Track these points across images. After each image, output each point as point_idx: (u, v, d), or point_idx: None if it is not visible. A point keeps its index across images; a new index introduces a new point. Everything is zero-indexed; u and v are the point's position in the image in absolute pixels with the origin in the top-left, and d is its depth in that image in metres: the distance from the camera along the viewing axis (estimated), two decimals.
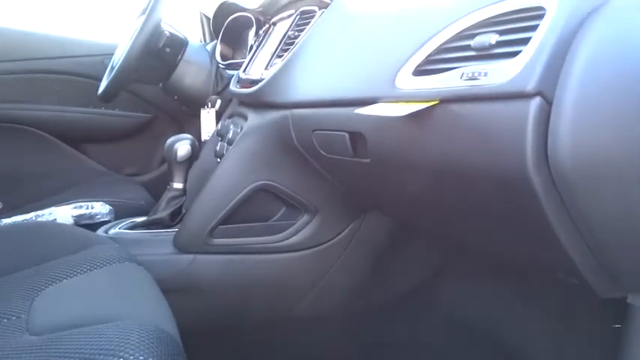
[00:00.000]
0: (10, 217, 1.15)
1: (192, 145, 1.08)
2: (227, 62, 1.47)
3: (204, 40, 1.86)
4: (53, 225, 0.91)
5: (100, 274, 0.79)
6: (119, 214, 1.27)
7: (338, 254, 1.08)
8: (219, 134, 1.21)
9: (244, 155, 1.00)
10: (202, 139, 1.43)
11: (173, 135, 1.11)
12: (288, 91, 0.94)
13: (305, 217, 1.05)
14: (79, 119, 1.68)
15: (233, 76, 1.30)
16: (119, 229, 1.12)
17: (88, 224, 1.22)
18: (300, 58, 0.96)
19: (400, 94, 0.68)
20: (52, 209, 1.18)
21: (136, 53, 1.27)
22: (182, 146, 1.06)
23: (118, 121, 1.73)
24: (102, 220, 1.22)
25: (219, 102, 1.43)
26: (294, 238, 1.05)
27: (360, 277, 1.13)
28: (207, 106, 1.44)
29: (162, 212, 1.12)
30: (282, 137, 0.95)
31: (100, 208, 1.22)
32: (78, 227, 1.01)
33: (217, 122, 1.39)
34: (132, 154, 1.78)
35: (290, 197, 1.03)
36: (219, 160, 1.14)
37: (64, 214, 1.19)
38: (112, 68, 1.39)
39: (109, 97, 1.40)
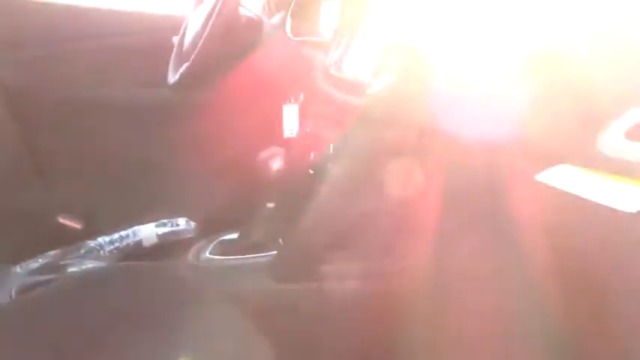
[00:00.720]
0: (94, 239, 1.09)
1: (286, 160, 0.97)
2: (300, 39, 1.31)
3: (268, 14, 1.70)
4: (152, 268, 0.83)
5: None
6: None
7: None
8: None
9: (355, 174, 0.88)
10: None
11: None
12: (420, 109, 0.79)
13: None
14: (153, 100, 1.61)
15: (313, 59, 1.16)
16: (210, 253, 1.04)
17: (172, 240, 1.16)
18: None
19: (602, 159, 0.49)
20: (137, 228, 1.12)
21: (219, 34, 1.14)
22: (277, 162, 0.96)
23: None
24: (187, 236, 1.15)
25: (302, 96, 1.30)
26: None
27: None
28: (290, 101, 1.31)
29: (259, 233, 1.02)
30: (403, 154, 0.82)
31: (184, 225, 1.14)
32: (176, 269, 0.92)
33: (300, 120, 1.27)
34: None
35: None
36: (312, 172, 1.02)
37: (148, 233, 1.12)
38: (181, 51, 1.28)
39: (183, 87, 1.30)
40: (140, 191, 1.33)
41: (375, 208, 0.88)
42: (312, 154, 1.05)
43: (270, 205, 1.01)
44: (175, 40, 1.37)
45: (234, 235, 1.14)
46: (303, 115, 1.26)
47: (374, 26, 1.01)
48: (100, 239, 1.09)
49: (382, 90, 0.88)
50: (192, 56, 1.18)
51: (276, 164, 0.96)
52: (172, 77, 1.32)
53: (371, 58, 0.95)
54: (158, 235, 1.12)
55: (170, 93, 1.38)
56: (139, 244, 1.10)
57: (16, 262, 1.06)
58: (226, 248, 1.07)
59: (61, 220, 1.07)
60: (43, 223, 1.13)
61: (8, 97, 1.50)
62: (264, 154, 0.98)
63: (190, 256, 1.04)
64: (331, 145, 0.99)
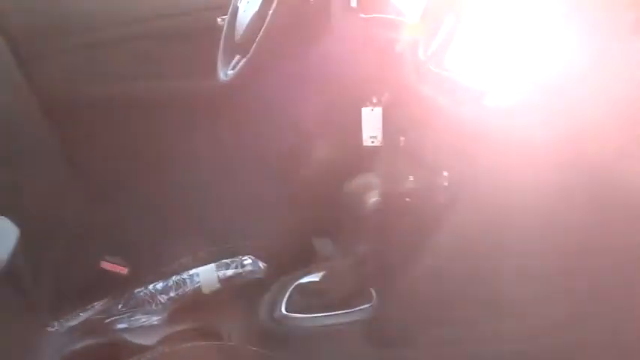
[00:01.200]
0: (144, 286, 0.90)
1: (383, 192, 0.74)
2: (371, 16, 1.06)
3: None
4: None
5: None
6: None
7: None
8: None
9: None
10: None
11: None
12: None
13: None
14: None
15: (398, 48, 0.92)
16: (286, 309, 0.82)
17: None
18: None
19: None
20: (194, 272, 0.91)
21: (287, 14, 0.91)
22: (373, 196, 0.73)
23: None
24: (254, 279, 0.94)
25: (386, 95, 1.04)
26: None
27: None
28: (372, 102, 1.05)
29: (346, 281, 0.80)
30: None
31: (251, 266, 0.93)
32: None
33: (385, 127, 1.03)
34: None
35: None
36: (408, 199, 0.79)
37: (208, 277, 0.91)
38: (231, 38, 1.06)
39: (239, 85, 1.09)
40: (194, 220, 1.13)
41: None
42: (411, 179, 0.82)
43: (361, 247, 0.78)
44: (221, 22, 1.16)
45: (313, 278, 0.92)
46: (389, 121, 1.02)
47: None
48: (151, 287, 0.89)
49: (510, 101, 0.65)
50: (252, 49, 0.96)
51: (372, 198, 0.73)
52: (223, 72, 1.11)
53: (489, 51, 0.71)
54: (220, 280, 0.91)
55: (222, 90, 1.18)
56: (197, 291, 0.90)
57: (53, 317, 0.88)
58: (306, 300, 0.85)
59: (104, 265, 0.89)
60: (82, 266, 0.95)
61: (43, 100, 1.35)
62: (354, 184, 0.75)
63: (262, 313, 0.83)
64: (444, 173, 0.75)
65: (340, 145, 1.26)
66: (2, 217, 0.73)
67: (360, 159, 1.11)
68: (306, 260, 1.05)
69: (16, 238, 0.70)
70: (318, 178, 1.44)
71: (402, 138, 0.89)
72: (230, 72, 1.12)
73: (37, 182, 1.17)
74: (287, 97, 1.36)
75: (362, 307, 0.84)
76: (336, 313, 0.83)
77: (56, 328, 0.84)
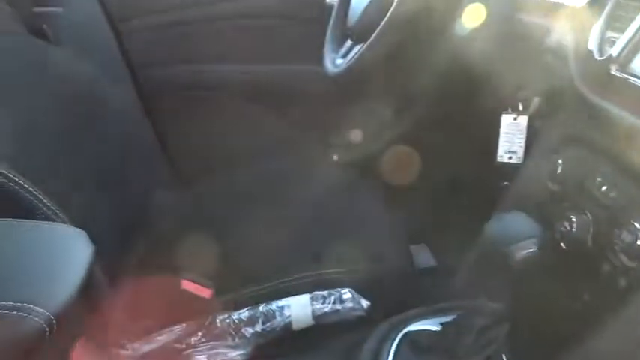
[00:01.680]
0: (230, 313, 0.77)
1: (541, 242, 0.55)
2: None
3: None
4: None
5: None
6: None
7: None
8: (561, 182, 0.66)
9: None
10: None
11: None
12: None
13: None
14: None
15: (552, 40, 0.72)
16: None
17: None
18: None
19: None
20: (285, 303, 0.77)
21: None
22: (526, 248, 0.54)
23: None
24: (353, 317, 0.79)
25: (536, 101, 0.83)
26: None
27: None
28: (516, 108, 0.85)
29: (470, 346, 0.62)
30: None
31: (351, 301, 0.77)
32: None
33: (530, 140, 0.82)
34: None
35: None
36: (567, 247, 0.59)
37: (301, 311, 0.77)
38: (343, 23, 0.91)
39: (352, 79, 0.93)
40: (290, 233, 0.99)
41: None
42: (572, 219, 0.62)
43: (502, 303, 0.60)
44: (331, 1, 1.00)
45: (429, 325, 0.75)
46: (535, 135, 0.82)
47: None
48: (236, 315, 0.77)
49: None
50: (373, 37, 0.81)
51: (526, 246, 0.55)
52: (331, 60, 0.96)
53: None
54: (314, 315, 0.77)
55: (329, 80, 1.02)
56: (287, 327, 0.76)
57: (127, 339, 0.79)
58: (418, 356, 0.68)
59: (186, 285, 0.78)
60: (162, 284, 0.85)
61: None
62: (496, 226, 0.57)
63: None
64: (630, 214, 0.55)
65: (468, 157, 1.07)
66: (77, 230, 0.64)
67: (489, 177, 0.92)
68: (416, 297, 0.89)
69: (90, 254, 0.60)
70: (435, 192, 1.25)
71: (557, 159, 0.69)
72: (340, 61, 0.96)
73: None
74: (406, 94, 1.18)
75: None
76: None
77: (129, 351, 0.75)
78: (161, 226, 1.16)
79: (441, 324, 0.76)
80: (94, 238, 0.76)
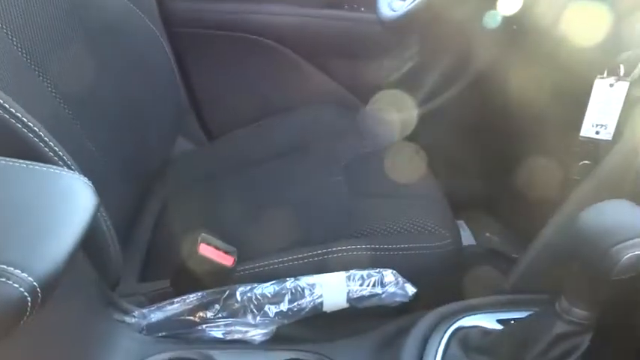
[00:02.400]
0: (253, 287, 0.67)
1: None
2: None
3: None
4: None
5: None
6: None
7: None
8: None
9: None
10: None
11: None
12: None
13: None
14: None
15: None
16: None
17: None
18: None
19: None
20: (318, 280, 0.66)
21: None
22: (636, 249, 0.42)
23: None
24: (394, 304, 0.68)
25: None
26: None
27: None
28: (616, 72, 0.69)
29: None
30: None
31: (394, 285, 0.66)
32: None
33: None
34: None
35: None
36: None
37: (335, 291, 0.66)
38: None
39: (405, 25, 0.81)
40: (320, 203, 0.87)
41: None
42: None
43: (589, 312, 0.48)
44: None
45: (486, 320, 0.64)
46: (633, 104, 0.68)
47: None
48: (259, 290, 0.66)
49: None
50: None
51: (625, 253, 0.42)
52: (388, 6, 0.83)
53: None
54: (349, 297, 0.66)
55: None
56: (316, 307, 0.66)
57: (134, 304, 0.70)
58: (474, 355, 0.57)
59: (204, 251, 0.67)
60: (177, 245, 0.75)
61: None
62: (599, 214, 0.45)
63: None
64: None
65: (537, 127, 0.93)
66: (81, 178, 0.53)
67: (565, 153, 0.79)
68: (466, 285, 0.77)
69: (93, 208, 0.50)
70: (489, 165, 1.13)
71: None
72: (399, 3, 0.82)
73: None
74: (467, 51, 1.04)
75: None
76: None
77: (136, 319, 0.65)
78: (178, 179, 1.06)
79: (499, 321, 0.65)
80: (104, 182, 0.67)
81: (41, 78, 0.69)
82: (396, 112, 1.23)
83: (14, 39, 0.66)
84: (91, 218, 0.50)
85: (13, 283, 0.41)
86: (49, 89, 0.70)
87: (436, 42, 1.09)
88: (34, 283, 0.41)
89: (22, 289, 0.41)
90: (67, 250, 0.45)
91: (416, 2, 0.75)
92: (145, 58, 0.97)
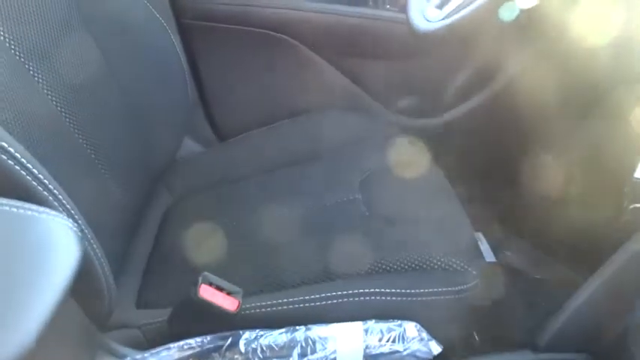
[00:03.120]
0: (258, 335, 0.60)
1: None
2: None
3: None
4: None
5: None
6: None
7: None
8: None
9: None
10: None
11: None
12: None
13: None
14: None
15: None
16: None
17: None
18: None
19: None
20: (331, 332, 0.59)
21: None
22: None
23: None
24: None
25: None
26: None
27: None
28: None
29: None
30: None
31: (418, 343, 0.59)
32: None
33: None
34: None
35: None
36: None
37: (351, 347, 0.59)
38: None
39: (443, 38, 0.72)
40: (330, 232, 0.79)
41: None
42: None
43: None
44: None
45: None
46: None
47: None
48: (265, 339, 0.59)
49: None
50: None
51: None
52: (420, 15, 0.74)
53: None
54: (366, 354, 0.59)
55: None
56: None
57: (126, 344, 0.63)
58: None
59: (204, 294, 0.60)
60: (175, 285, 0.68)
61: None
62: None
63: None
64: None
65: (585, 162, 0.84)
66: (63, 223, 0.46)
67: (614, 195, 0.70)
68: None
69: (73, 265, 0.43)
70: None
71: None
72: (434, 13, 0.73)
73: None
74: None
75: None
76: None
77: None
78: (183, 186, 0.99)
79: None
80: (103, 192, 0.61)
81: (35, 77, 0.62)
82: (418, 119, 1.15)
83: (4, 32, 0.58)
84: (71, 277, 0.43)
85: None
86: (44, 90, 0.63)
87: (466, 50, 1.00)
88: None
89: None
90: (37, 326, 0.38)
91: (461, 15, 0.66)
92: (150, 51, 0.89)
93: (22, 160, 0.52)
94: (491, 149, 1.10)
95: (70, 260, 0.43)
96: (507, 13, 0.89)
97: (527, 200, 1.15)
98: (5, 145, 0.50)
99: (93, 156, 0.71)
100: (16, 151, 0.51)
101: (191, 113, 1.10)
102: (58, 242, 0.44)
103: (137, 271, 0.82)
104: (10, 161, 0.50)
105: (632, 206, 0.66)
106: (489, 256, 1.16)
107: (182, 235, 0.86)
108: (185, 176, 1.02)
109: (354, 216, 0.81)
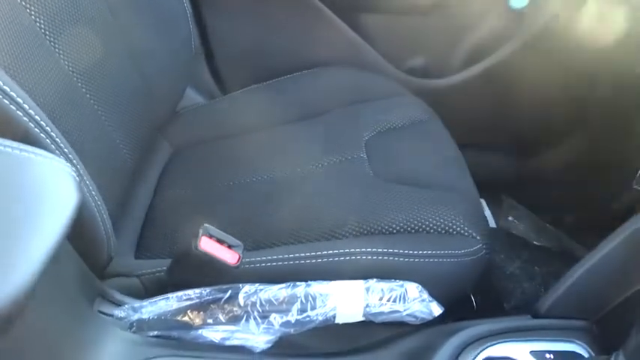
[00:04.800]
0: (258, 290, 0.59)
1: None
2: None
3: None
4: None
5: None
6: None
7: None
8: None
9: None
10: None
11: None
12: None
13: None
14: None
15: None
16: None
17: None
18: None
19: None
20: (334, 288, 0.58)
21: None
22: None
23: None
24: (417, 323, 0.60)
25: None
26: None
27: None
28: None
29: None
30: None
31: (419, 303, 0.58)
32: None
33: None
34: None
35: None
36: None
37: (352, 302, 0.58)
38: None
39: None
40: (335, 186, 0.78)
41: None
42: None
43: None
44: None
45: (518, 353, 0.56)
46: None
47: None
48: (264, 293, 0.59)
49: None
50: None
51: None
52: None
53: None
54: (366, 312, 0.58)
55: None
56: (328, 320, 0.59)
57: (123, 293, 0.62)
58: None
59: (203, 246, 0.59)
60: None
61: None
62: None
63: None
64: None
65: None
66: (61, 166, 0.44)
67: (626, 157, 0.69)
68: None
69: (71, 210, 0.42)
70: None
71: None
72: None
73: None
74: None
75: None
76: None
77: (124, 313, 0.58)
78: (183, 137, 0.97)
79: (533, 353, 0.57)
80: (103, 142, 0.61)
81: (37, 23, 0.59)
82: (428, 80, 1.12)
83: None
84: (70, 221, 0.42)
85: None
86: (47, 37, 0.61)
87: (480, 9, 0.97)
88: None
89: None
90: (35, 269, 0.37)
91: None
92: None
93: (24, 105, 0.50)
94: (499, 114, 1.08)
95: (69, 203, 0.42)
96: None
97: (533, 168, 1.14)
98: (7, 89, 0.49)
99: (93, 102, 0.69)
100: (17, 96, 0.50)
101: (194, 64, 1.07)
102: (56, 185, 0.43)
103: (136, 222, 0.82)
104: (11, 105, 0.49)
105: None
106: (492, 222, 1.16)
107: (181, 187, 0.85)
108: (186, 128, 1.00)
109: (357, 175, 0.80)
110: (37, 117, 0.51)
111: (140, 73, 0.81)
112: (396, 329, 0.63)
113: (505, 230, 1.15)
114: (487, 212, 1.16)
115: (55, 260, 0.39)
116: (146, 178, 0.90)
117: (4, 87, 0.49)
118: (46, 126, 0.53)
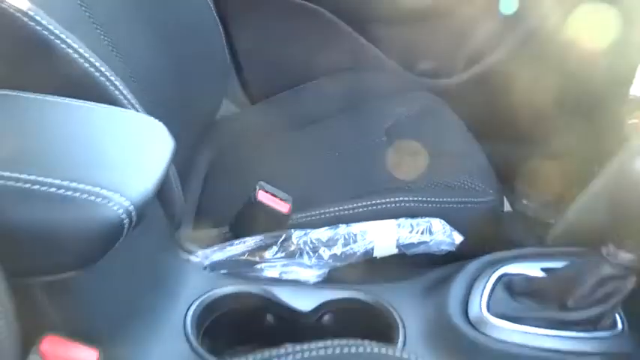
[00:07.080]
0: (307, 232, 0.71)
1: None
2: None
3: None
4: None
5: None
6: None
7: None
8: None
9: None
10: None
11: None
12: None
13: None
14: None
15: None
16: (488, 309, 0.59)
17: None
18: None
19: None
20: (371, 226, 0.70)
21: None
22: None
23: None
24: (441, 253, 0.71)
25: None
26: None
27: None
28: None
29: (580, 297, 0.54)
30: None
31: (442, 234, 0.70)
32: None
33: None
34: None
35: None
36: None
37: (386, 236, 0.70)
38: None
39: None
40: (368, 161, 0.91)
41: None
42: None
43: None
44: None
45: (530, 268, 0.67)
46: None
47: None
48: (314, 235, 0.71)
49: None
50: None
51: None
52: None
53: None
54: (399, 244, 0.70)
55: None
56: (368, 252, 0.70)
57: (197, 245, 0.75)
58: (518, 303, 0.61)
59: (261, 197, 0.71)
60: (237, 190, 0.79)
61: None
62: None
63: (451, 305, 0.61)
64: None
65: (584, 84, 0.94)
66: (157, 122, 0.57)
67: (611, 110, 0.80)
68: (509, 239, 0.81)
69: (171, 149, 0.54)
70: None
71: None
72: None
73: None
74: None
75: (599, 334, 0.59)
76: (560, 334, 0.58)
77: (200, 259, 0.70)
78: (227, 137, 1.10)
79: (543, 269, 0.68)
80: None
81: (98, 30, 0.71)
82: (439, 79, 1.25)
83: None
84: (172, 155, 0.54)
85: (113, 205, 0.45)
86: (105, 41, 0.73)
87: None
88: (131, 206, 0.46)
89: (120, 211, 0.46)
90: (156, 178, 0.50)
91: None
92: (190, 16, 1.00)
93: (112, 77, 0.62)
94: (498, 113, 1.20)
95: (169, 142, 0.54)
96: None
97: (542, 158, 1.24)
98: (92, 60, 0.59)
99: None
100: (101, 66, 0.61)
101: (228, 76, 1.21)
102: (155, 132, 0.56)
103: (191, 204, 0.94)
104: (107, 83, 0.62)
105: (630, 121, 0.76)
106: (506, 207, 1.25)
107: (233, 173, 0.98)
108: (227, 130, 1.13)
109: (380, 151, 0.92)
110: (123, 90, 0.63)
111: (179, 80, 0.93)
112: (429, 265, 0.74)
113: (521, 213, 1.25)
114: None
115: (151, 200, 0.51)
116: (194, 171, 1.03)
117: (92, 59, 0.58)
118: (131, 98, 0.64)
